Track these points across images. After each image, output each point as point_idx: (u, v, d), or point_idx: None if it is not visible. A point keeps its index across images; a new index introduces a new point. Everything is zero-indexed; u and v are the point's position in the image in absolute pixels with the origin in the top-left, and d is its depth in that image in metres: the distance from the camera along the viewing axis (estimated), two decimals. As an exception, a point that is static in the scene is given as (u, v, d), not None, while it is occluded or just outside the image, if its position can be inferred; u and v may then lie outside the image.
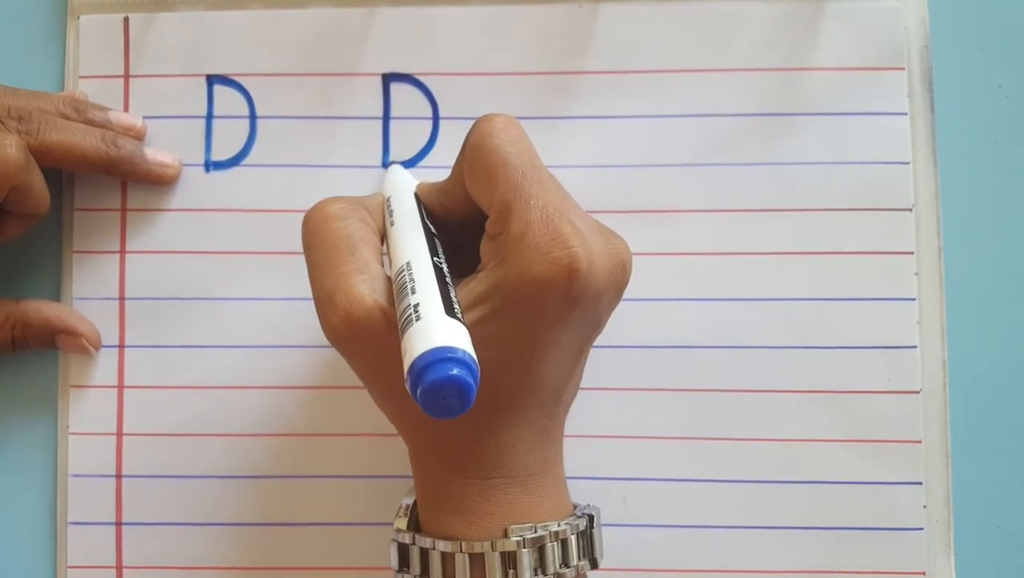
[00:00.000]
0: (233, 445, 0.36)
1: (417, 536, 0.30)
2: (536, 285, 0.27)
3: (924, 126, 0.36)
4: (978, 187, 0.37)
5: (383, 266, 0.30)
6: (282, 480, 0.36)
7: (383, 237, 0.31)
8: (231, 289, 0.37)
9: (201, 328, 0.37)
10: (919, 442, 0.35)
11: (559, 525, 0.29)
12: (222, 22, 0.37)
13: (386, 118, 0.37)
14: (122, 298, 0.37)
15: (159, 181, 0.37)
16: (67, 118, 0.35)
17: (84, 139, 0.34)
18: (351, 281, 0.28)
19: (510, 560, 0.28)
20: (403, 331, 0.26)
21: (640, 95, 0.37)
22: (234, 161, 0.37)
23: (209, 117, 0.37)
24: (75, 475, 0.36)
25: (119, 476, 0.36)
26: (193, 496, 0.36)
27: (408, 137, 0.37)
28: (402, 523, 0.31)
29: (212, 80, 0.37)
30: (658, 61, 0.37)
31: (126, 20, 0.37)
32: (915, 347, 0.36)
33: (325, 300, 0.28)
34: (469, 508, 0.29)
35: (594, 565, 0.30)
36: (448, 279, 0.28)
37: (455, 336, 0.25)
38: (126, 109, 0.37)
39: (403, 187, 0.33)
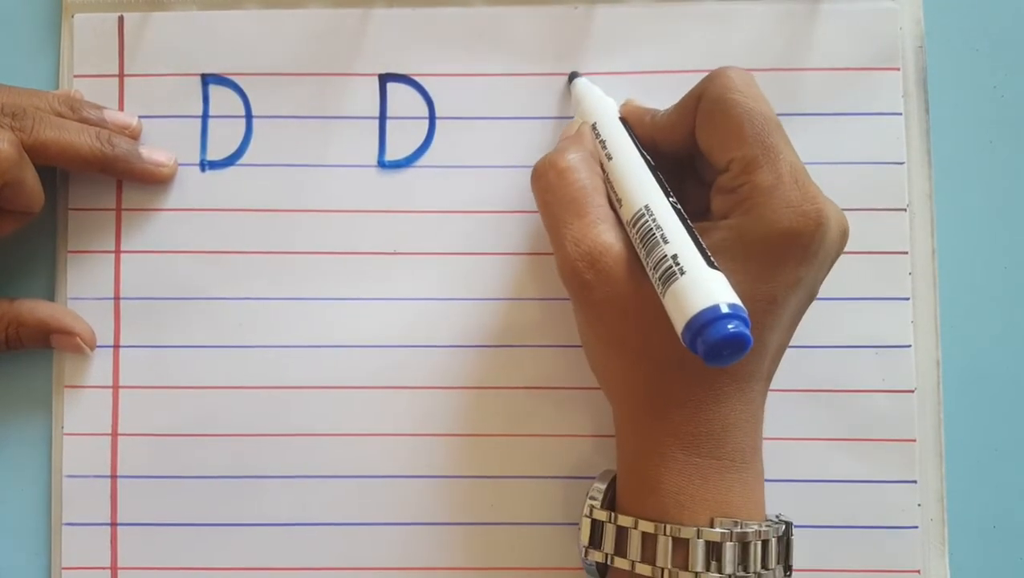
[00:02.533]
0: (228, 445, 0.36)
1: (618, 515, 0.30)
2: (783, 237, 0.28)
3: (919, 126, 0.36)
4: (972, 187, 0.37)
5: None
6: (278, 480, 0.36)
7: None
8: (227, 289, 0.37)
9: (196, 328, 0.36)
10: (913, 441, 0.36)
11: (762, 526, 0.29)
12: (218, 21, 0.37)
13: (382, 118, 0.37)
14: (117, 298, 0.37)
15: (154, 180, 0.36)
16: (62, 116, 0.35)
17: (79, 137, 0.34)
18: (598, 230, 0.29)
19: (714, 551, 0.28)
20: (665, 283, 0.27)
21: (635, 96, 0.37)
22: (230, 161, 0.37)
23: (205, 116, 0.37)
24: (70, 476, 0.36)
25: (114, 477, 0.36)
26: (188, 497, 0.36)
27: (404, 137, 0.37)
28: (597, 502, 0.31)
29: (207, 79, 0.37)
30: (653, 62, 0.37)
31: (121, 19, 0.37)
32: (909, 346, 0.36)
33: (572, 243, 0.29)
34: (685, 490, 0.29)
35: (788, 572, 0.30)
36: (690, 223, 0.28)
37: (728, 291, 0.26)
38: (121, 108, 0.37)
39: (607, 112, 0.34)
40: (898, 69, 0.36)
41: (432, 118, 0.37)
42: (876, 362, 0.36)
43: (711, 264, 0.27)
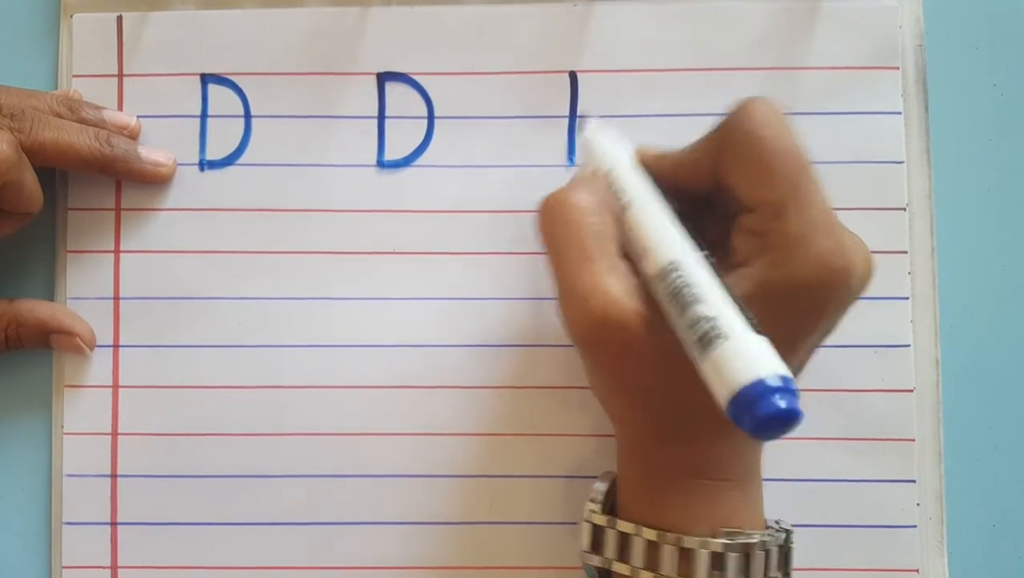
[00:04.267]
0: (228, 445, 0.36)
1: (619, 521, 0.30)
2: (809, 292, 0.27)
3: (918, 125, 0.36)
4: (972, 186, 0.37)
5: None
6: (277, 480, 0.36)
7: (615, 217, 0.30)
8: (226, 288, 0.37)
9: (196, 328, 0.36)
10: (912, 440, 0.36)
11: (763, 536, 0.29)
12: (216, 21, 0.37)
13: (381, 117, 0.37)
14: (117, 298, 0.37)
15: (153, 180, 0.36)
16: (60, 116, 0.35)
17: (78, 137, 0.34)
18: (607, 281, 0.28)
19: (718, 561, 0.28)
20: (705, 348, 0.25)
21: (634, 94, 0.37)
22: (229, 160, 0.37)
23: (204, 116, 0.37)
24: (70, 475, 0.36)
25: (114, 476, 0.36)
26: (188, 496, 0.36)
27: (403, 136, 0.37)
28: (597, 506, 0.31)
29: (206, 79, 0.37)
30: (652, 60, 0.37)
31: (120, 19, 0.37)
32: (908, 345, 0.36)
33: (579, 299, 0.28)
34: (691, 505, 0.29)
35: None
36: (722, 279, 0.27)
37: (775, 360, 0.24)
38: (120, 108, 0.37)
39: (621, 159, 0.31)
40: (897, 68, 0.36)
41: (431, 117, 0.37)
42: (875, 361, 0.36)
43: (754, 326, 0.25)
